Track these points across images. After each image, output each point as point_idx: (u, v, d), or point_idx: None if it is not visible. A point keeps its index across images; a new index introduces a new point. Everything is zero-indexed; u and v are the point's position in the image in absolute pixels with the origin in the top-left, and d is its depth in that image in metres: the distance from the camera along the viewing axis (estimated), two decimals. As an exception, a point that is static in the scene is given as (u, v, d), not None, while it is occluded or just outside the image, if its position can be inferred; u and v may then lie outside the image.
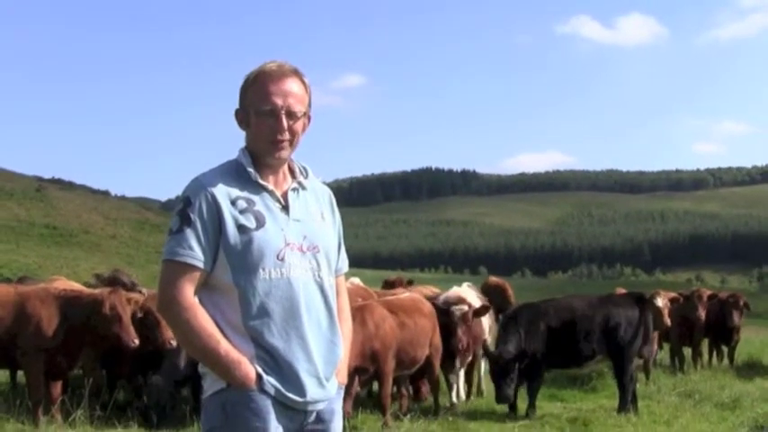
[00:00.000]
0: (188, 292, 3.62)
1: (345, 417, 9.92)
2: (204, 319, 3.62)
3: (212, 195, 3.65)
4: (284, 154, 3.79)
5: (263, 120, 3.73)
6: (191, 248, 3.61)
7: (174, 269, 3.64)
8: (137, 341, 10.18)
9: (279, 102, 3.72)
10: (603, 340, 12.29)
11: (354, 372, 10.10)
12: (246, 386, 3.59)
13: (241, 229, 3.64)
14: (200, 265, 3.62)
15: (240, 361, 3.59)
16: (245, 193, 3.71)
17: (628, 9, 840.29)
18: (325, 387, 3.77)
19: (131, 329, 10.17)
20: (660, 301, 14.04)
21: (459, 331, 11.63)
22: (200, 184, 3.69)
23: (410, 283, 16.47)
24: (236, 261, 3.64)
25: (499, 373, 11.42)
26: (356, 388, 10.44)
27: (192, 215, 3.63)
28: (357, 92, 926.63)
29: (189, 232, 3.62)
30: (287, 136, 3.74)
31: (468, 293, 13.46)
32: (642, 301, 13.00)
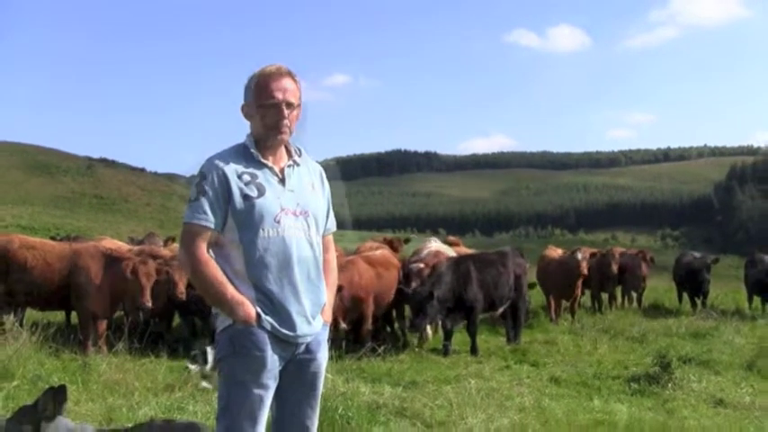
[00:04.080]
0: (203, 248, 3.68)
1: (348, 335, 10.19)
2: (215, 270, 3.66)
3: (222, 171, 3.69)
4: (285, 137, 3.83)
5: (268, 111, 3.76)
6: (205, 213, 3.65)
7: (192, 230, 3.68)
8: (149, 304, 10.13)
9: (279, 96, 3.75)
10: (514, 287, 12.34)
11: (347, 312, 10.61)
12: (248, 323, 3.65)
13: (245, 197, 3.68)
14: (213, 226, 3.67)
15: (243, 302, 3.64)
16: (249, 169, 3.75)
17: (558, 22, 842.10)
18: (312, 324, 3.81)
19: (147, 293, 10.10)
20: (579, 255, 14.69)
21: (414, 282, 11.69)
22: (213, 162, 3.73)
23: (407, 241, 16.05)
24: (241, 223, 3.68)
25: (413, 307, 11.27)
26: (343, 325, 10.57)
27: (206, 187, 3.67)
28: (343, 89, 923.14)
29: (204, 200, 3.66)
30: (287, 122, 3.78)
31: (442, 247, 13.91)
32: (522, 255, 13.28)
